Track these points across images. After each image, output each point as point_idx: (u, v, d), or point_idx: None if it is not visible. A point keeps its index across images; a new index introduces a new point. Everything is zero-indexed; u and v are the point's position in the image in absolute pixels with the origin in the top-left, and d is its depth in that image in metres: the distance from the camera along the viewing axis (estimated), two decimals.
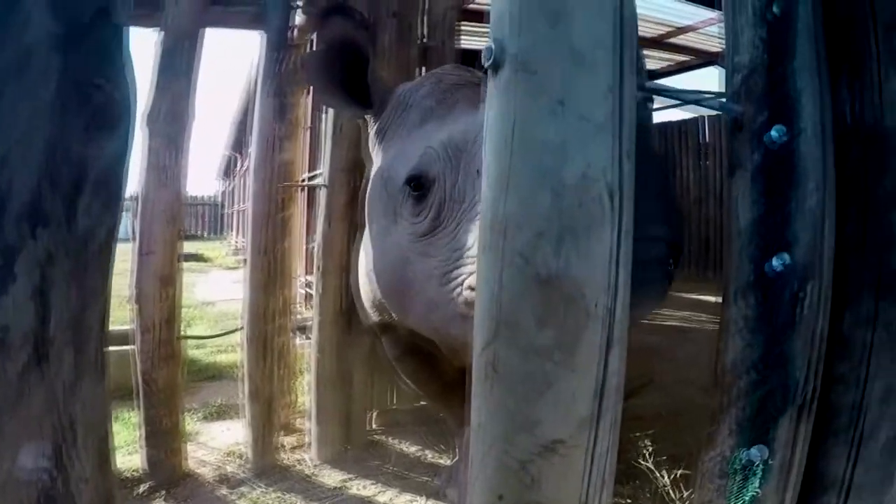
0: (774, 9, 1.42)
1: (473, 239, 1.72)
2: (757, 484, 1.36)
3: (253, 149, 3.81)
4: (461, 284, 1.80)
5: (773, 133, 1.35)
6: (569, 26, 1.06)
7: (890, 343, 1.41)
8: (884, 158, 1.42)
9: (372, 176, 2.43)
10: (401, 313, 2.31)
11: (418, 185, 1.98)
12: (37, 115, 1.04)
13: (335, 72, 2.48)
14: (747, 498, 1.36)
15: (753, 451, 1.36)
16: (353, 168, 3.67)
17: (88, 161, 1.08)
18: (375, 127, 2.54)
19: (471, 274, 1.73)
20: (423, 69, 4.22)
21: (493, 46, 1.08)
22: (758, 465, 1.35)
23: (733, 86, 1.46)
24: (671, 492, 2.67)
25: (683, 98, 1.44)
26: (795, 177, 1.34)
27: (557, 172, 1.03)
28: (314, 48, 2.34)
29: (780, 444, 1.38)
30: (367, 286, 2.56)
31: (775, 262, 1.32)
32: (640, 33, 9.31)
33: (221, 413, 4.42)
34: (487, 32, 1.12)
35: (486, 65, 1.10)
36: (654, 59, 10.77)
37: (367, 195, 2.47)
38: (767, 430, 1.35)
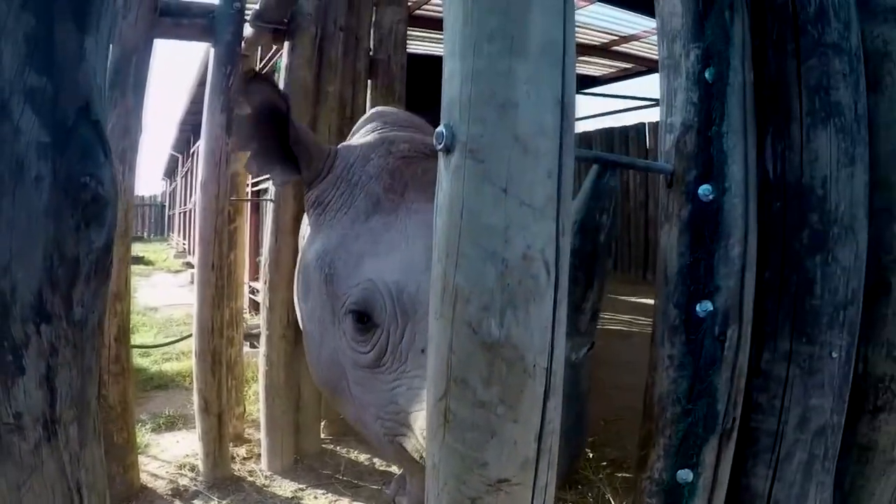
0: (707, 74, 1.59)
1: (410, 404, 1.72)
2: (684, 502, 1.55)
3: (201, 165, 3.85)
4: (394, 435, 1.78)
5: (702, 190, 1.53)
6: (515, 116, 1.21)
7: (803, 377, 1.61)
8: (802, 213, 1.61)
9: (311, 251, 2.24)
10: (332, 402, 2.30)
11: (360, 320, 1.88)
12: (33, 222, 1.14)
13: (266, 136, 2.38)
14: None
15: (681, 473, 1.55)
16: (299, 182, 3.73)
17: (81, 257, 1.20)
18: (313, 195, 2.38)
19: (403, 435, 1.75)
20: (371, 82, 4.31)
21: (444, 132, 1.23)
22: (684, 486, 1.55)
23: (667, 144, 1.64)
24: (611, 499, 2.87)
25: (624, 163, 1.61)
26: (720, 231, 1.52)
27: (501, 253, 1.19)
28: (242, 111, 2.26)
29: (704, 466, 1.58)
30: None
31: (699, 308, 1.51)
32: (587, 41, 9.40)
33: (171, 424, 4.48)
34: (435, 39, 1.27)
35: (438, 148, 1.24)
36: (600, 66, 11.05)
37: (303, 269, 2.32)
38: (692, 455, 1.54)
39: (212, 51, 3.78)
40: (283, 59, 3.84)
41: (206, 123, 3.80)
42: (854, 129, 1.64)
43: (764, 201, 1.64)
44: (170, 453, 4.09)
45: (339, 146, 2.52)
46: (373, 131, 2.56)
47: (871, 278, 1.72)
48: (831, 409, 1.64)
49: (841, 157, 1.61)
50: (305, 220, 2.54)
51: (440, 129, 1.24)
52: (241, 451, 4.07)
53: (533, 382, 1.20)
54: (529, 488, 1.25)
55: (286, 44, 3.81)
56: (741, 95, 1.61)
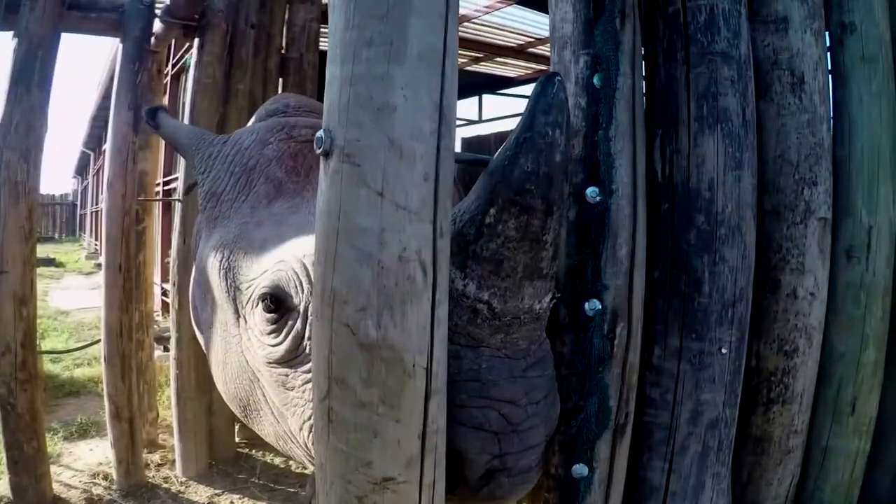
0: (595, 79, 1.71)
1: None
2: (580, 497, 1.66)
3: (107, 164, 3.84)
4: None
5: (589, 193, 1.64)
6: (391, 121, 1.28)
7: (694, 373, 1.73)
8: (689, 214, 1.73)
9: (207, 249, 2.13)
10: (245, 422, 2.10)
11: (272, 307, 1.74)
12: None
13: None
14: None
15: (576, 468, 1.66)
16: None
17: None
18: (206, 186, 2.27)
19: None
20: (283, 80, 4.34)
21: (322, 136, 1.30)
22: (580, 481, 1.66)
23: None
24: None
25: None
26: (607, 232, 1.64)
27: (377, 255, 1.28)
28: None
29: (599, 461, 1.69)
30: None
31: (587, 307, 1.62)
32: (504, 42, 9.04)
33: (84, 431, 4.44)
34: None
35: (318, 152, 1.31)
36: (515, 68, 11.20)
37: (199, 272, 2.22)
38: (586, 450, 1.65)
39: (120, 46, 3.78)
40: (193, 56, 3.86)
41: (113, 120, 3.79)
42: (742, 134, 1.77)
43: (653, 203, 1.76)
44: (83, 462, 4.07)
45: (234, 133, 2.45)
46: (274, 114, 2.53)
47: (761, 276, 1.85)
48: (723, 402, 1.76)
49: (728, 161, 1.74)
50: (198, 219, 2.43)
51: (319, 133, 1.31)
52: (156, 457, 4.09)
53: (413, 382, 1.29)
54: (416, 486, 1.34)
55: (196, 40, 3.83)
56: (630, 100, 1.73)
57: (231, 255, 1.98)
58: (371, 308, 1.28)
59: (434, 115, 1.33)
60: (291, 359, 1.71)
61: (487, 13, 5.74)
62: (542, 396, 1.52)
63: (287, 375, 1.72)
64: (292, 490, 3.36)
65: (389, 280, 1.28)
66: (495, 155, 1.42)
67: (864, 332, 1.92)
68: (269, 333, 1.75)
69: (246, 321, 1.88)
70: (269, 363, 1.76)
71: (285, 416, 1.77)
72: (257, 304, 1.79)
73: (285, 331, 1.71)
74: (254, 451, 3.95)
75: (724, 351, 1.73)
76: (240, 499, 3.36)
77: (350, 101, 1.30)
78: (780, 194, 1.85)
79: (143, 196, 3.87)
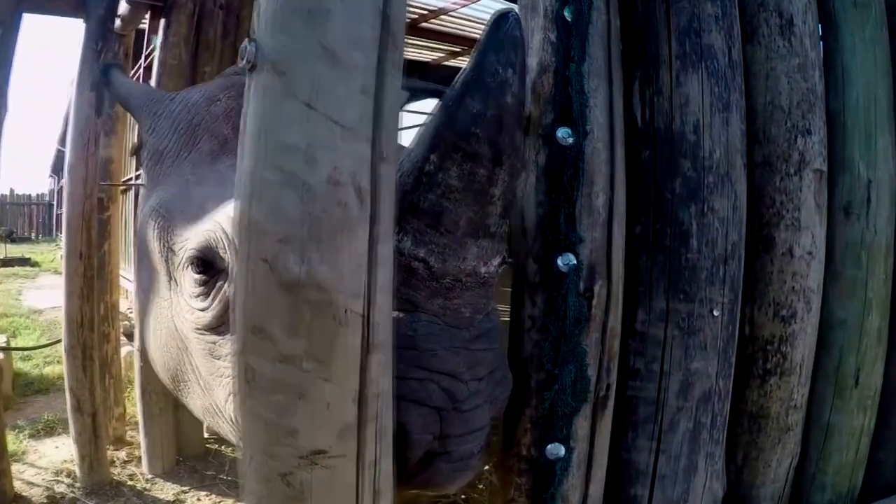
0: (566, 12, 1.44)
1: None
2: (556, 481, 1.36)
3: (69, 147, 3.51)
4: None
5: (560, 133, 1.36)
6: (324, 26, 1.02)
7: (683, 338, 1.45)
8: (674, 160, 1.46)
9: (145, 209, 1.89)
10: (176, 396, 1.90)
11: (201, 269, 1.52)
12: None
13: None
14: (547, 495, 1.37)
15: (551, 448, 1.36)
16: None
17: None
18: (149, 144, 2.03)
19: None
20: None
21: (247, 46, 1.04)
22: (556, 463, 1.36)
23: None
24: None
25: None
26: (582, 177, 1.36)
27: (302, 176, 0.99)
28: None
29: (577, 439, 1.39)
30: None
31: (561, 262, 1.34)
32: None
33: (51, 429, 4.15)
34: None
35: (242, 65, 1.06)
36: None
37: (137, 236, 1.99)
38: (562, 427, 1.36)
39: (83, 26, 3.49)
40: (158, 37, 3.57)
41: (74, 102, 3.47)
42: (728, 74, 1.51)
43: (633, 150, 1.49)
44: (48, 459, 3.75)
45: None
46: (226, 75, 2.30)
47: (754, 234, 1.58)
48: (716, 372, 1.48)
49: (714, 102, 1.48)
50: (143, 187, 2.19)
51: (244, 43, 1.06)
52: (122, 454, 3.77)
53: (346, 332, 1.00)
54: (353, 462, 1.05)
55: (162, 21, 3.55)
56: (605, 37, 1.47)
57: (167, 215, 1.73)
58: (294, 239, 0.99)
59: (375, 22, 1.07)
60: (220, 325, 1.46)
61: (465, 6, 5.40)
62: (486, 373, 1.27)
63: (215, 343, 1.48)
64: None
65: (316, 206, 1.00)
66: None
67: (867, 295, 1.65)
68: (198, 297, 1.51)
69: (178, 284, 1.65)
70: (197, 329, 1.52)
71: (212, 387, 1.53)
72: (187, 266, 1.55)
73: (213, 294, 1.47)
74: (223, 447, 3.67)
75: (716, 313, 1.45)
76: (207, 496, 3.08)
77: (280, 6, 1.05)
78: (772, 144, 1.58)
79: (108, 181, 3.54)
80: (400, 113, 1.16)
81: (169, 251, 1.69)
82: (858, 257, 1.64)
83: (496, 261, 1.25)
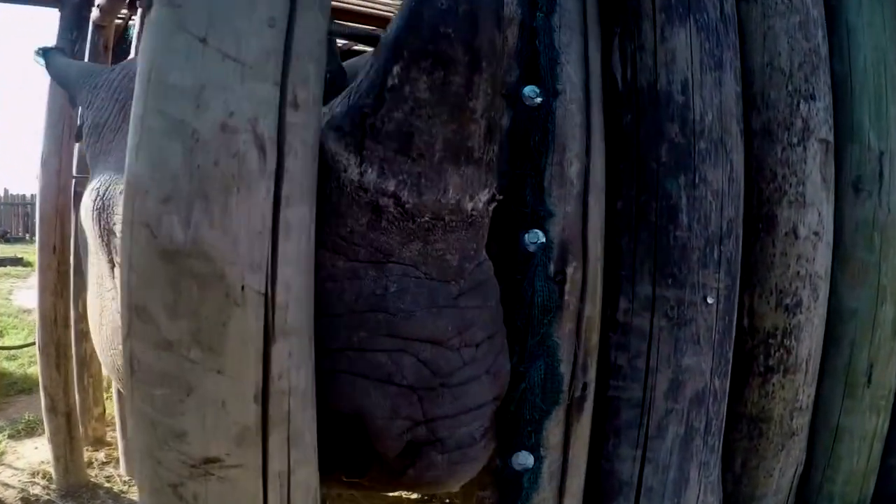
0: None
1: None
2: (524, 495, 1.15)
3: (42, 139, 3.38)
4: None
5: (527, 92, 1.16)
6: None
7: (672, 330, 1.24)
8: (659, 124, 1.25)
9: (87, 191, 1.74)
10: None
11: None
12: None
13: None
14: None
15: (518, 457, 1.15)
16: None
17: None
18: (88, 119, 1.87)
19: None
20: None
21: None
22: (524, 474, 1.15)
23: None
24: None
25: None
26: (551, 142, 1.16)
27: (191, 122, 0.80)
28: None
29: (549, 447, 1.18)
30: None
31: (527, 239, 1.13)
32: None
33: (32, 430, 3.98)
34: None
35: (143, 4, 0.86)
36: None
37: (81, 212, 1.83)
38: (531, 433, 1.14)
39: (58, 15, 3.32)
40: (135, 27, 3.39)
41: (49, 93, 3.31)
42: (720, 29, 1.31)
43: (613, 115, 1.28)
44: (25, 461, 3.60)
45: None
46: None
47: (753, 212, 1.37)
48: (711, 369, 1.27)
49: (705, 59, 1.27)
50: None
51: None
52: (101, 455, 3.62)
53: (242, 314, 0.80)
54: (256, 473, 0.84)
55: (139, 10, 3.38)
56: None
57: (106, 193, 1.55)
58: (178, 198, 0.79)
59: None
60: None
61: None
62: (484, 337, 1.04)
63: None
64: None
65: (206, 157, 0.80)
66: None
67: (880, 282, 1.43)
68: None
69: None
70: None
71: None
72: None
73: None
74: None
75: (709, 301, 1.24)
76: None
77: None
78: (772, 110, 1.37)
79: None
80: (324, 66, 0.94)
81: (109, 233, 1.52)
82: (870, 239, 1.43)
83: (484, 195, 1.01)
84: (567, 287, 1.16)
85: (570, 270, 1.16)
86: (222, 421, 0.81)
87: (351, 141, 0.94)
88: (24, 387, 4.93)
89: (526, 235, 1.14)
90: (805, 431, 1.45)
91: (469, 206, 0.99)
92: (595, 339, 1.23)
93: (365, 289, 0.95)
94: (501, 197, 1.08)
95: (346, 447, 1.00)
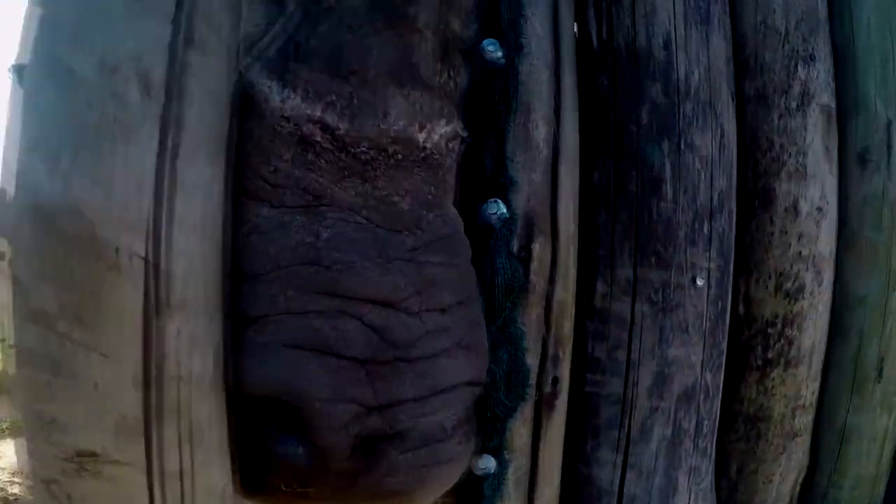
0: None
1: None
2: (486, 503, 1.01)
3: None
4: None
5: (486, 45, 1.03)
6: None
7: (656, 317, 1.11)
8: (638, 84, 1.13)
9: None
10: None
11: None
12: None
13: None
14: None
15: (480, 461, 1.01)
16: None
17: None
18: None
19: None
20: None
21: None
22: (485, 480, 1.01)
23: None
24: None
25: None
26: (514, 102, 1.02)
27: (65, 61, 0.67)
28: None
29: (514, 450, 1.04)
30: None
31: (486, 211, 1.00)
32: None
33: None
34: None
35: None
36: None
37: None
38: (493, 433, 1.01)
39: None
40: None
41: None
42: None
43: (588, 77, 1.15)
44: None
45: None
46: None
47: (749, 186, 1.24)
48: (702, 362, 1.13)
49: (690, 13, 1.15)
50: None
51: None
52: None
53: (117, 280, 0.67)
54: (142, 473, 0.71)
55: None
56: None
57: None
58: (47, 145, 0.67)
59: None
60: None
61: None
62: (453, 301, 0.87)
63: None
64: None
65: (80, 99, 0.68)
66: None
67: (890, 265, 1.30)
68: None
69: None
70: None
71: None
72: None
73: None
74: None
75: (699, 283, 1.11)
76: None
77: None
78: (767, 73, 1.24)
79: None
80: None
81: None
82: (879, 217, 1.29)
83: (441, 127, 0.86)
84: (533, 266, 1.03)
85: (536, 247, 1.03)
86: (96, 408, 0.68)
87: (274, 66, 0.79)
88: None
89: (485, 207, 1.00)
90: (808, 432, 1.31)
91: (420, 138, 0.84)
92: (568, 327, 1.09)
93: (292, 238, 0.78)
94: (468, 135, 0.94)
95: (282, 446, 0.84)
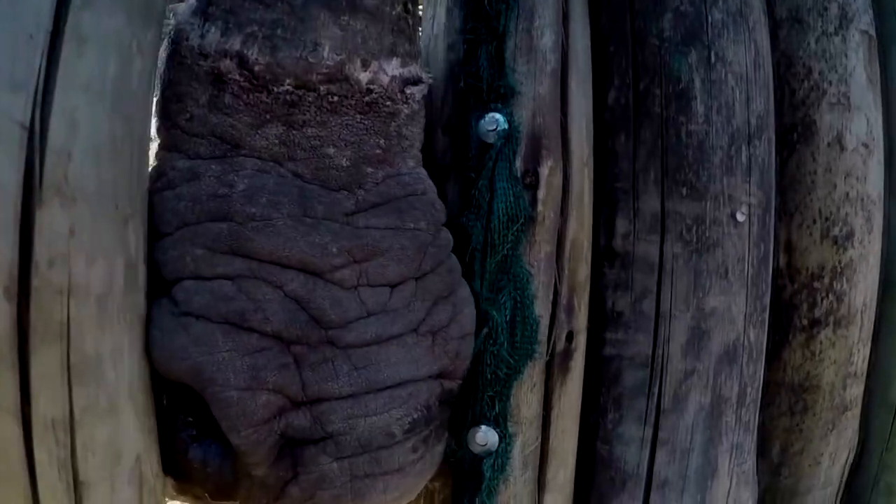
0: None
1: None
2: (484, 488, 0.81)
3: None
4: None
5: None
6: None
7: (689, 258, 0.92)
8: None
9: None
10: None
11: None
12: None
13: None
14: None
15: (478, 435, 0.82)
16: None
17: None
18: None
19: None
20: None
21: None
22: (485, 459, 0.82)
23: None
24: None
25: None
26: (514, 3, 0.85)
27: None
28: None
29: (520, 421, 0.85)
30: None
31: (482, 125, 0.81)
32: None
33: None
34: None
35: None
36: None
37: None
38: (494, 399, 0.82)
39: None
40: None
41: None
42: None
43: None
44: None
45: None
46: None
47: (785, 119, 1.06)
48: (745, 315, 0.95)
49: None
50: None
51: None
52: None
53: None
54: (15, 419, 0.51)
55: None
56: None
57: None
58: None
59: None
60: None
61: None
62: (406, 275, 0.72)
63: None
64: None
65: None
66: None
67: None
68: None
69: None
70: None
71: None
72: None
73: None
74: None
75: (740, 217, 0.93)
76: None
77: None
78: None
79: None
80: None
81: None
82: None
83: (394, 67, 0.70)
84: (541, 194, 0.84)
85: (544, 171, 0.85)
86: None
87: (198, 4, 0.66)
88: None
89: (482, 122, 0.82)
90: (859, 405, 1.13)
91: (363, 77, 0.68)
92: (584, 272, 0.91)
93: (203, 191, 0.64)
94: (432, 78, 0.78)
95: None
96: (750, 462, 1.00)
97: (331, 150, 0.67)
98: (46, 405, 0.51)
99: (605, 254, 0.94)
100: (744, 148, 0.93)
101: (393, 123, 0.71)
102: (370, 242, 0.68)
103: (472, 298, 0.80)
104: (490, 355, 0.81)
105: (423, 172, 0.77)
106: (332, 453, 0.66)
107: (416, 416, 0.71)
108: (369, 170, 0.70)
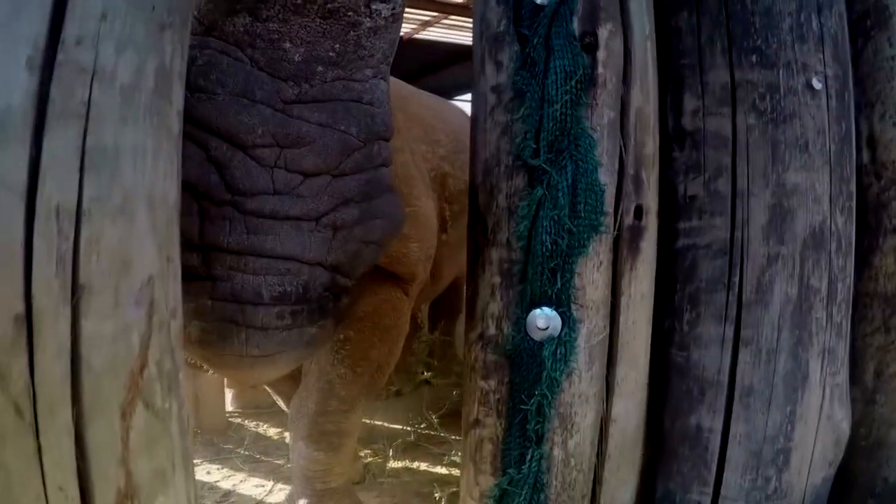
0: None
1: None
2: (545, 378, 0.72)
3: None
4: None
5: None
6: None
7: (765, 130, 0.83)
8: None
9: None
10: None
11: None
12: None
13: None
14: (531, 408, 0.72)
15: (537, 317, 0.72)
16: None
17: None
18: None
19: None
20: None
21: None
22: (545, 347, 0.72)
23: None
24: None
25: None
26: None
27: None
28: None
29: (585, 304, 0.75)
30: None
31: None
32: None
33: None
34: None
35: None
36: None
37: None
38: (555, 274, 0.72)
39: None
40: None
41: None
42: None
43: None
44: None
45: None
46: None
47: (855, 7, 0.98)
48: (830, 196, 0.85)
49: None
50: None
51: None
52: None
53: None
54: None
55: None
56: None
57: None
58: None
59: None
60: None
61: None
62: (322, 167, 0.79)
63: None
64: (279, 462, 2.70)
65: None
66: None
67: None
68: None
69: None
70: None
71: None
72: None
73: None
74: (246, 421, 3.38)
75: (816, 85, 0.84)
76: (219, 469, 2.65)
77: None
78: None
79: None
80: None
81: None
82: None
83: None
84: (601, 55, 0.77)
85: (603, 33, 0.77)
86: None
87: None
88: None
89: None
90: None
91: None
92: (651, 147, 0.82)
93: None
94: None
95: None
96: (843, 374, 0.89)
97: (287, 45, 0.75)
98: (54, 189, 0.46)
99: (674, 135, 0.86)
100: (814, 17, 0.85)
101: (352, 32, 0.76)
102: (295, 132, 0.76)
103: (395, 218, 0.85)
104: (550, 221, 0.72)
105: (381, 86, 0.82)
106: (209, 292, 0.77)
107: (289, 288, 0.80)
108: (319, 69, 0.76)
